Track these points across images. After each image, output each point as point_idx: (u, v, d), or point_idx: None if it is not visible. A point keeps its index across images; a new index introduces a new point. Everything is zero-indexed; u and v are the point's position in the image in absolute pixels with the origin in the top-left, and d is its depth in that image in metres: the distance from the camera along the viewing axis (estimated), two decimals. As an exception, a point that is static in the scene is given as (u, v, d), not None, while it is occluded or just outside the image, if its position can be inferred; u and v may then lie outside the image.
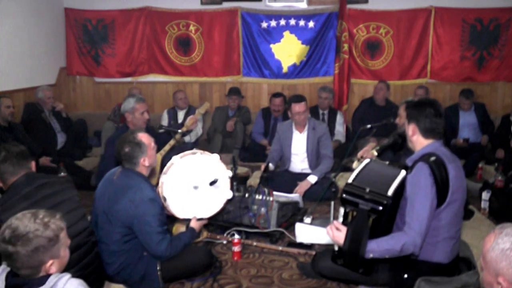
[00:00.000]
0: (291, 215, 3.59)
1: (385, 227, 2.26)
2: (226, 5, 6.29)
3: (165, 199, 2.87)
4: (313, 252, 3.03)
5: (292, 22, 6.24)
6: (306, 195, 4.01)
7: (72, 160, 4.96)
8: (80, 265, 2.30)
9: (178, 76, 6.52)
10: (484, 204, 3.91)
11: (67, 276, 1.60)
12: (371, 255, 2.14)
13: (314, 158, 4.28)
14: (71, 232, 1.87)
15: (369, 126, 4.00)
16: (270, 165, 3.95)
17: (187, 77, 6.51)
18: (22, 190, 2.34)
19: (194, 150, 3.08)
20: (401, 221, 2.27)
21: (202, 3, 6.32)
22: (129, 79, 6.56)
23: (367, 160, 2.49)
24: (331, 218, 3.47)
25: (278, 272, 2.91)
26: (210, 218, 3.11)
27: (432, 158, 2.21)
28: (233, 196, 3.19)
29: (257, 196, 3.43)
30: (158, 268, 2.60)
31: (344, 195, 2.25)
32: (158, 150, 3.48)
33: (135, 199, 2.47)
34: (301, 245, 3.23)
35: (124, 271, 2.57)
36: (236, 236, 3.13)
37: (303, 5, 6.22)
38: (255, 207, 3.41)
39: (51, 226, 1.57)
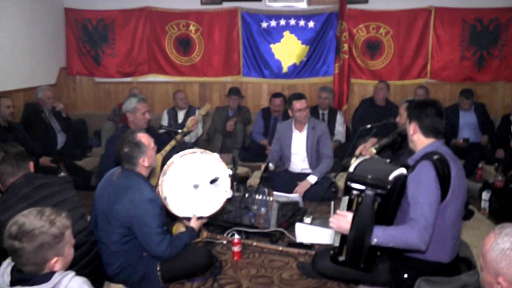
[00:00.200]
0: (291, 215, 3.59)
1: (388, 218, 2.25)
2: (226, 5, 6.29)
3: (165, 198, 2.86)
4: (313, 252, 3.03)
5: (292, 22, 6.24)
6: (306, 195, 4.01)
7: (72, 160, 4.96)
8: (79, 264, 2.29)
9: (178, 76, 6.52)
10: (484, 204, 3.91)
11: (71, 274, 1.61)
12: (375, 240, 2.14)
13: (314, 157, 4.28)
14: (70, 231, 1.87)
15: (369, 126, 3.99)
16: (270, 165, 3.95)
17: (187, 77, 6.51)
18: (21, 191, 2.34)
19: (194, 149, 3.08)
20: (403, 221, 2.26)
21: (202, 3, 6.32)
22: (129, 79, 6.56)
23: (366, 157, 2.49)
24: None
25: (278, 272, 2.91)
26: (210, 217, 3.11)
27: (436, 156, 2.22)
28: (233, 195, 3.18)
29: (257, 196, 3.43)
30: (158, 268, 2.59)
31: (348, 183, 2.27)
32: (159, 150, 3.49)
33: (134, 200, 2.47)
34: (301, 245, 3.23)
35: (124, 272, 2.56)
36: (236, 236, 3.13)
37: (303, 5, 6.22)
38: (255, 207, 3.41)
39: (56, 223, 1.59)
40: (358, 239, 2.18)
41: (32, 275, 1.57)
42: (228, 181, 3.07)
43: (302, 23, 6.24)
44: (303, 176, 4.16)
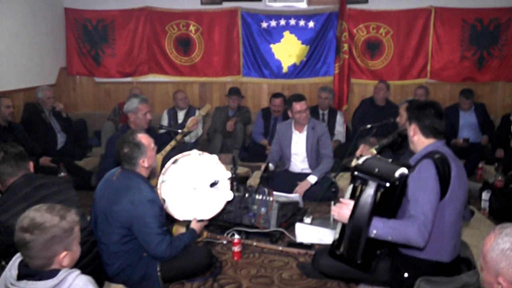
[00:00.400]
0: (291, 215, 3.59)
1: (388, 217, 2.26)
2: (226, 5, 6.29)
3: (164, 201, 2.86)
4: (313, 252, 3.03)
5: (292, 22, 6.24)
6: (306, 195, 4.01)
7: (72, 160, 4.96)
8: (79, 264, 2.29)
9: (178, 76, 6.52)
10: (484, 204, 3.91)
11: (77, 271, 1.64)
12: (374, 232, 2.14)
13: (314, 158, 4.27)
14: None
15: (369, 126, 4.00)
16: (270, 165, 3.95)
17: (187, 77, 6.51)
18: (21, 191, 2.35)
19: (193, 151, 3.07)
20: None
21: (202, 3, 6.32)
22: (129, 79, 6.56)
23: (369, 156, 2.50)
24: (331, 218, 3.47)
25: (278, 272, 2.91)
26: (210, 220, 3.11)
27: (437, 155, 2.24)
28: (234, 197, 3.18)
29: (257, 196, 3.43)
30: (158, 268, 2.59)
31: (356, 172, 2.29)
32: (159, 150, 3.49)
33: (134, 200, 2.46)
34: (301, 245, 3.23)
35: (124, 272, 2.56)
36: (236, 236, 3.13)
37: (303, 5, 6.22)
38: (255, 207, 3.41)
39: (67, 218, 1.63)
40: (357, 227, 2.18)
41: (39, 271, 1.60)
42: (228, 184, 3.06)
43: (302, 23, 6.24)
44: (303, 176, 4.16)
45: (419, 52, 6.15)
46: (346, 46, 5.93)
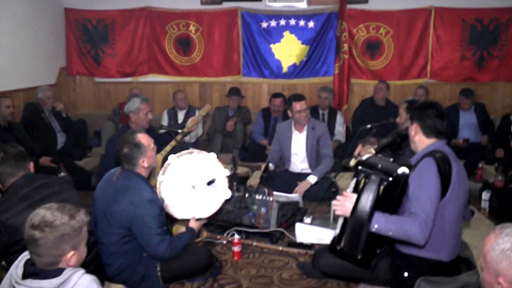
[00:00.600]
0: (291, 215, 3.59)
1: (390, 211, 2.26)
2: (226, 5, 6.29)
3: (163, 200, 2.86)
4: (313, 252, 3.03)
5: (292, 22, 6.24)
6: (306, 195, 4.01)
7: (72, 160, 4.96)
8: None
9: (178, 76, 6.52)
10: (484, 204, 3.91)
11: (81, 271, 1.65)
12: (376, 226, 2.14)
13: (314, 158, 4.27)
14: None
15: (369, 126, 4.00)
16: (270, 165, 3.95)
17: (187, 77, 6.51)
18: (21, 191, 2.35)
19: (191, 150, 3.07)
20: None
21: (202, 3, 6.32)
22: (129, 79, 6.56)
23: (369, 155, 2.51)
24: (331, 218, 3.47)
25: (278, 272, 2.91)
26: (209, 218, 3.11)
27: (438, 154, 2.25)
28: (232, 195, 3.18)
29: (257, 196, 3.43)
30: (158, 268, 2.59)
31: (359, 167, 2.31)
32: (159, 150, 3.49)
33: (134, 200, 2.47)
34: (301, 245, 3.23)
35: (124, 272, 2.56)
36: (236, 236, 3.13)
37: (303, 5, 6.22)
38: (255, 207, 3.40)
39: (76, 217, 1.65)
40: (358, 221, 2.18)
41: (44, 269, 1.61)
42: (225, 182, 3.06)
43: (302, 23, 6.24)
44: (303, 176, 4.16)
45: (419, 52, 6.15)
46: (346, 46, 5.93)
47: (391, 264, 2.42)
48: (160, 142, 3.71)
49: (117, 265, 2.55)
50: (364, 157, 2.38)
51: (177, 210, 2.94)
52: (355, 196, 2.24)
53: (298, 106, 4.14)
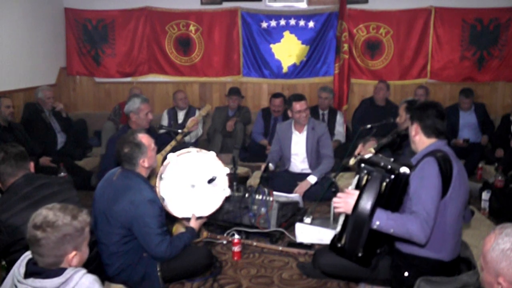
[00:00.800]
0: (291, 215, 3.59)
1: (391, 209, 2.27)
2: (226, 5, 6.29)
3: (163, 199, 2.86)
4: (313, 252, 3.03)
5: (292, 22, 6.24)
6: (306, 195, 4.01)
7: (72, 160, 4.96)
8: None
9: (178, 76, 6.52)
10: (484, 204, 3.92)
11: (83, 270, 1.66)
12: (377, 223, 2.15)
13: (314, 158, 4.27)
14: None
15: (369, 126, 4.00)
16: (270, 165, 3.95)
17: (187, 77, 6.51)
18: (21, 191, 2.35)
19: (190, 148, 3.07)
20: None
21: (202, 3, 6.32)
22: (129, 79, 6.56)
23: (370, 155, 2.51)
24: (331, 218, 3.47)
25: (278, 272, 2.91)
26: (209, 216, 3.11)
27: (439, 154, 2.26)
28: (232, 194, 3.18)
29: (257, 196, 3.43)
30: (158, 268, 2.59)
31: (362, 164, 2.32)
32: (159, 150, 3.48)
33: (134, 200, 2.46)
34: (301, 245, 3.23)
35: (124, 272, 2.56)
36: (236, 236, 3.13)
37: (303, 5, 6.22)
38: (255, 207, 3.40)
39: (78, 218, 1.65)
40: (360, 218, 2.19)
41: (45, 269, 1.61)
42: (225, 180, 3.06)
43: (302, 23, 6.24)
44: (303, 176, 4.16)
45: (419, 52, 6.15)
46: (346, 46, 5.93)
47: (391, 263, 2.42)
48: (160, 142, 3.71)
49: (117, 265, 2.55)
50: (366, 156, 2.39)
51: (177, 208, 2.94)
52: (357, 192, 2.24)
53: (298, 106, 4.14)
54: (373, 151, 3.23)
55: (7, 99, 4.56)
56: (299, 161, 4.35)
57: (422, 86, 5.72)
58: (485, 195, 3.91)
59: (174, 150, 3.72)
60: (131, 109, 3.82)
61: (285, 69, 6.38)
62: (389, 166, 2.23)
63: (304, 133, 4.28)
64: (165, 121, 5.65)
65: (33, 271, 1.62)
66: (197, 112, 4.90)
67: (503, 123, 5.35)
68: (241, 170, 4.68)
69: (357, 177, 2.38)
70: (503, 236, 1.42)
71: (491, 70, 6.08)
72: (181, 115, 5.68)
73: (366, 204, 2.18)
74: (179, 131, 4.05)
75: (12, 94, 5.01)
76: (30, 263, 1.65)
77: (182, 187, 2.97)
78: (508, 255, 1.38)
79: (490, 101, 6.09)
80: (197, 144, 5.51)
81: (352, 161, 3.26)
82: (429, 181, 2.18)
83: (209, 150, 3.16)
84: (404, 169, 2.21)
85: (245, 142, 5.64)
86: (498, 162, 4.55)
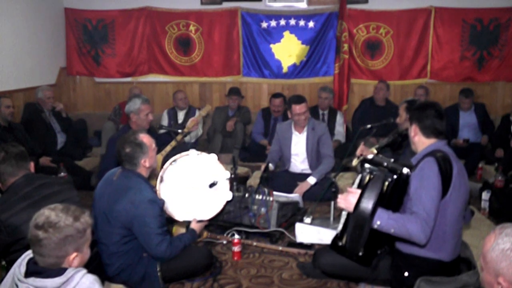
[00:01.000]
0: (291, 215, 3.59)
1: (392, 209, 2.27)
2: (226, 5, 6.29)
3: (163, 202, 2.86)
4: (313, 252, 3.03)
5: (292, 22, 6.24)
6: (306, 195, 4.00)
7: (72, 160, 4.96)
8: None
9: (178, 76, 6.52)
10: (484, 204, 3.91)
11: (83, 270, 1.66)
12: (378, 222, 2.15)
13: (314, 158, 4.27)
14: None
15: (369, 126, 3.99)
16: (270, 165, 3.95)
17: (187, 77, 6.51)
18: (21, 191, 2.35)
19: (190, 151, 3.07)
20: None
21: (202, 3, 6.32)
22: (129, 79, 6.56)
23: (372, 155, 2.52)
24: (331, 218, 3.47)
25: (278, 272, 2.91)
26: (210, 220, 3.11)
27: (439, 154, 2.26)
28: (233, 197, 3.19)
29: (257, 196, 3.43)
30: (158, 268, 2.59)
31: (365, 164, 2.33)
32: (159, 150, 3.48)
33: (134, 200, 2.46)
34: (301, 245, 3.23)
35: (124, 272, 2.56)
36: (236, 236, 3.13)
37: (303, 5, 6.22)
38: (255, 207, 3.40)
39: (81, 219, 1.65)
40: (361, 217, 2.19)
41: (46, 268, 1.61)
42: (227, 184, 3.06)
43: (302, 23, 6.24)
44: (303, 176, 4.16)
45: (419, 52, 6.15)
46: (346, 46, 5.93)
47: (392, 263, 2.42)
48: (160, 142, 3.71)
49: (117, 265, 2.55)
50: (369, 156, 2.39)
51: (178, 211, 2.93)
52: (359, 191, 2.25)
53: (297, 108, 4.13)
54: (374, 151, 3.24)
55: (7, 99, 4.56)
56: (299, 162, 4.35)
57: (422, 86, 5.73)
58: (485, 195, 3.91)
59: (174, 150, 3.74)
60: (132, 110, 3.83)
61: (285, 69, 6.38)
62: (392, 167, 2.23)
63: (304, 134, 4.28)
64: (165, 121, 5.65)
65: (34, 270, 1.62)
66: (197, 112, 4.90)
67: (503, 123, 5.35)
68: (241, 170, 4.68)
69: (359, 176, 2.39)
70: (503, 236, 1.42)
71: (491, 70, 6.09)
72: (181, 115, 5.68)
73: (368, 203, 2.18)
74: (179, 131, 4.05)
75: (12, 94, 5.01)
76: (31, 262, 1.66)
77: (183, 190, 2.97)
78: (508, 255, 1.38)
79: (490, 101, 6.09)
80: (197, 144, 5.51)
81: (354, 162, 3.25)
82: (429, 182, 2.18)
83: (209, 150, 3.17)
84: (405, 170, 2.21)
85: (245, 142, 5.64)
86: (498, 162, 4.55)
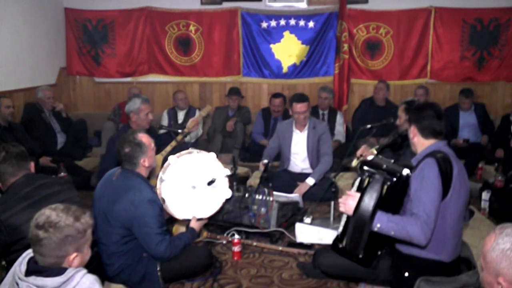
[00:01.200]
0: (291, 215, 3.59)
1: (392, 211, 2.27)
2: (226, 5, 6.29)
3: (163, 201, 2.86)
4: (313, 252, 3.03)
5: (292, 22, 6.24)
6: (306, 195, 4.00)
7: (72, 160, 4.96)
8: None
9: (178, 76, 6.52)
10: (484, 204, 3.91)
11: (84, 270, 1.66)
12: (378, 225, 2.15)
13: (315, 157, 4.27)
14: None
15: (369, 126, 4.00)
16: (265, 161, 3.94)
17: (187, 77, 6.51)
18: (21, 191, 2.35)
19: (191, 150, 3.07)
20: None
21: (202, 3, 6.32)
22: (129, 79, 6.56)
23: (372, 156, 2.52)
24: (331, 218, 3.47)
25: (278, 272, 2.91)
26: (209, 218, 3.11)
27: (439, 154, 2.26)
28: (232, 195, 3.19)
29: (257, 196, 3.43)
30: (158, 268, 2.59)
31: (364, 167, 2.33)
32: (158, 150, 3.48)
33: (134, 200, 2.46)
34: (301, 245, 3.23)
35: (124, 272, 2.56)
36: (236, 236, 3.13)
37: (303, 5, 6.22)
38: (255, 207, 3.40)
39: (81, 220, 1.66)
40: (361, 220, 2.19)
41: (47, 268, 1.62)
42: (226, 181, 3.06)
43: (302, 23, 6.24)
44: (303, 176, 4.16)
45: (419, 52, 6.15)
46: (346, 46, 5.93)
47: (392, 264, 2.42)
48: (160, 142, 3.72)
49: (117, 265, 2.55)
50: (368, 158, 2.39)
51: (177, 210, 2.94)
52: (358, 194, 2.25)
53: (298, 107, 4.14)
54: (375, 152, 3.24)
55: (7, 99, 4.56)
56: (300, 160, 4.35)
57: (422, 86, 5.72)
58: (485, 195, 3.91)
59: (174, 150, 3.74)
60: (132, 109, 3.83)
61: (285, 69, 6.38)
62: (392, 169, 2.23)
63: (305, 132, 4.29)
64: (165, 121, 5.65)
65: (34, 269, 1.63)
66: (197, 112, 4.90)
67: (503, 123, 5.35)
68: (241, 170, 4.68)
69: (359, 179, 2.38)
70: (503, 236, 1.42)
71: (491, 70, 6.08)
72: (181, 115, 5.68)
73: (367, 206, 2.18)
74: (179, 131, 4.05)
75: (12, 94, 5.01)
76: (31, 261, 1.66)
77: (183, 189, 2.97)
78: (508, 255, 1.38)
79: (490, 101, 6.09)
80: (197, 144, 5.51)
81: (354, 163, 3.26)
82: (429, 183, 2.18)
83: (209, 150, 3.17)
84: (405, 171, 2.21)
85: (245, 142, 5.64)
86: (498, 162, 4.55)
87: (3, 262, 2.42)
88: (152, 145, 2.67)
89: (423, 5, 6.03)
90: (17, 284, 1.63)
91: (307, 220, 3.45)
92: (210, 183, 3.00)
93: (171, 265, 2.62)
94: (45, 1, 5.95)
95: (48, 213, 1.63)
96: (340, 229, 2.41)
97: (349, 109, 6.07)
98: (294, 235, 3.34)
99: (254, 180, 4.40)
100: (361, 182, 2.36)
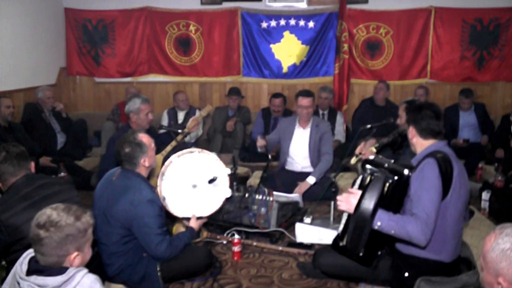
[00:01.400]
0: (291, 215, 3.59)
1: (392, 211, 2.27)
2: (226, 5, 6.29)
3: (164, 199, 2.87)
4: (313, 252, 3.03)
5: (292, 22, 6.24)
6: (306, 195, 4.01)
7: (72, 160, 4.96)
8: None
9: (178, 76, 6.52)
10: (484, 204, 3.91)
11: (85, 270, 1.67)
12: (378, 223, 2.16)
13: (316, 155, 4.28)
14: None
15: (369, 126, 4.00)
16: (260, 138, 3.94)
17: (187, 77, 6.51)
18: (21, 191, 2.35)
19: (192, 149, 3.08)
20: None
21: (202, 3, 6.32)
22: (129, 79, 6.56)
23: (372, 156, 2.52)
24: (331, 218, 3.47)
25: (278, 272, 2.91)
26: (209, 217, 3.11)
27: (439, 155, 2.26)
28: (232, 194, 3.19)
29: (257, 196, 3.43)
30: (158, 268, 2.59)
31: (366, 165, 2.34)
32: (158, 150, 3.48)
33: (134, 200, 2.47)
34: (301, 245, 3.24)
35: (124, 272, 2.56)
36: (236, 236, 3.14)
37: (303, 5, 6.22)
38: (255, 207, 3.41)
39: (82, 219, 1.67)
40: (362, 217, 2.20)
41: (48, 267, 1.62)
42: (226, 180, 3.07)
43: (302, 23, 6.24)
44: (303, 175, 4.16)
45: (419, 52, 6.15)
46: (346, 46, 5.93)
47: (392, 264, 2.42)
48: (160, 142, 3.71)
49: (117, 265, 2.55)
50: (370, 157, 2.40)
51: (178, 208, 2.94)
52: (359, 192, 2.25)
53: (304, 101, 4.16)
54: (374, 150, 3.24)
55: (7, 99, 4.56)
56: (301, 158, 4.35)
57: (422, 86, 5.72)
58: (485, 195, 3.91)
59: (174, 150, 3.74)
60: (132, 109, 3.82)
61: (285, 69, 6.38)
62: (393, 168, 2.24)
63: (308, 129, 4.30)
64: (165, 121, 5.65)
65: (35, 269, 1.63)
66: (198, 112, 4.90)
67: (503, 123, 5.35)
68: (241, 170, 4.68)
69: (360, 177, 2.39)
70: (503, 236, 1.42)
71: (491, 70, 6.08)
72: (181, 115, 5.68)
73: (369, 204, 2.19)
74: (179, 131, 4.05)
75: (12, 94, 5.00)
76: (32, 261, 1.67)
77: (183, 187, 2.98)
78: (508, 255, 1.38)
79: (490, 101, 6.09)
80: (197, 144, 5.50)
81: (353, 160, 3.27)
82: (429, 183, 2.18)
83: (209, 150, 3.17)
84: (406, 171, 2.21)
85: (245, 142, 5.64)
86: (498, 162, 4.55)
87: (3, 262, 2.42)
88: (152, 145, 2.67)
89: (423, 5, 6.03)
90: (18, 283, 1.63)
91: (307, 220, 3.45)
92: (211, 181, 3.01)
93: (171, 265, 2.62)
94: (45, 1, 5.95)
95: (49, 212, 1.64)
96: (341, 227, 2.41)
97: (349, 109, 6.07)
98: (294, 235, 3.34)
99: (254, 180, 4.40)
100: (363, 180, 2.36)
